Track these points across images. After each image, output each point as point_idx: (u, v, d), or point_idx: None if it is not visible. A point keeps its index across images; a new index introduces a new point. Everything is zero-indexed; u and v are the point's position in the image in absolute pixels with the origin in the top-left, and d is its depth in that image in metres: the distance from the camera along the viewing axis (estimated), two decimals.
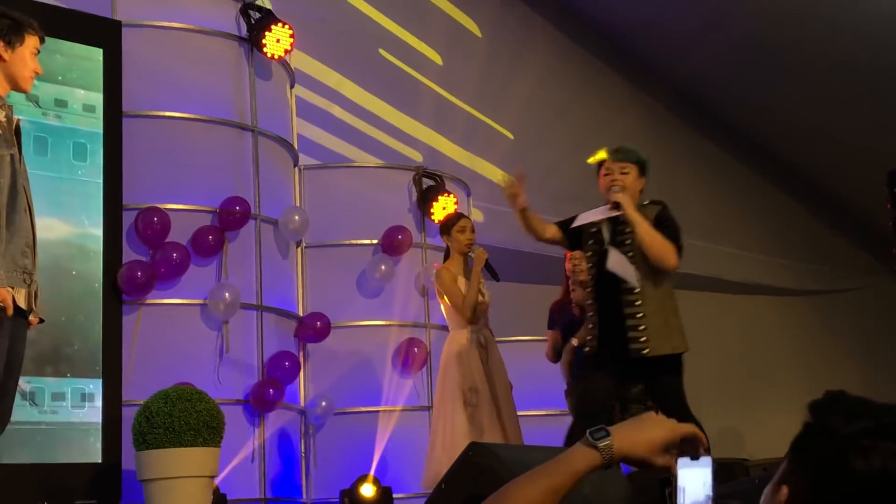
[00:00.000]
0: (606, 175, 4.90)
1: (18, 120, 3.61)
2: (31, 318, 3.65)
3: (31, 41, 3.59)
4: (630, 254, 4.77)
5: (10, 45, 3.52)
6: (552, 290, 7.18)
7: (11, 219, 3.41)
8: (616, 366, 4.80)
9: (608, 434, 1.52)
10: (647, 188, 5.00)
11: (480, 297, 5.78)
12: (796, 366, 12.07)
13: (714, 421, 9.56)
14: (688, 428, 1.53)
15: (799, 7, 10.02)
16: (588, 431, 1.53)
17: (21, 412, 5.35)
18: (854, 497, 1.23)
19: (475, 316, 5.76)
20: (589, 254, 4.97)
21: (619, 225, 4.84)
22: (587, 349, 4.96)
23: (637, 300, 4.74)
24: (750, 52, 10.67)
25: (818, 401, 1.31)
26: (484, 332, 5.79)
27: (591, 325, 4.93)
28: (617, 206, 4.78)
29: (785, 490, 1.28)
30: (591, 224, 4.92)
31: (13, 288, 3.42)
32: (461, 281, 5.81)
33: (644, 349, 4.69)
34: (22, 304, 3.50)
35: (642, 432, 1.52)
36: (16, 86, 3.59)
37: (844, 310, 13.03)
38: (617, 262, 4.76)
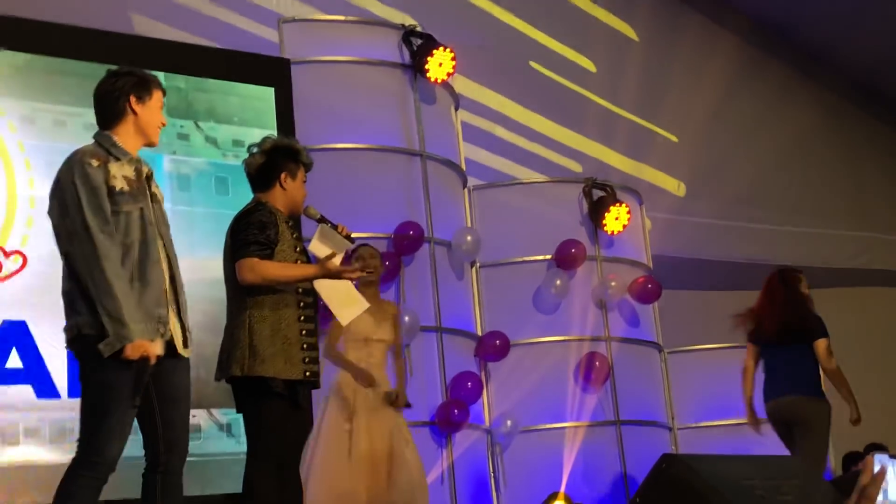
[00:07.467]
0: None
1: (150, 170, 3.72)
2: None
3: (157, 95, 3.76)
4: None
5: (140, 100, 3.67)
6: (730, 296, 6.99)
7: (143, 272, 3.53)
8: None
9: None
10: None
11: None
12: None
13: None
14: None
15: None
16: None
17: (219, 444, 5.55)
18: None
19: None
20: None
21: None
22: None
23: None
24: None
25: None
26: None
27: None
28: None
29: None
30: None
31: (152, 340, 3.51)
32: None
33: None
34: (159, 350, 3.55)
35: None
36: (147, 139, 3.74)
37: None
38: None
